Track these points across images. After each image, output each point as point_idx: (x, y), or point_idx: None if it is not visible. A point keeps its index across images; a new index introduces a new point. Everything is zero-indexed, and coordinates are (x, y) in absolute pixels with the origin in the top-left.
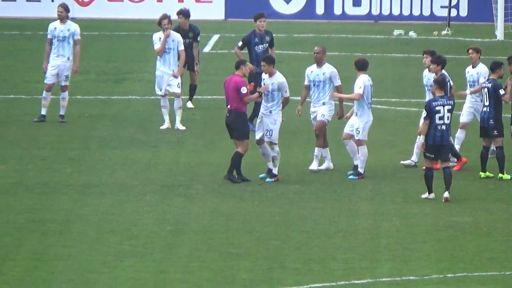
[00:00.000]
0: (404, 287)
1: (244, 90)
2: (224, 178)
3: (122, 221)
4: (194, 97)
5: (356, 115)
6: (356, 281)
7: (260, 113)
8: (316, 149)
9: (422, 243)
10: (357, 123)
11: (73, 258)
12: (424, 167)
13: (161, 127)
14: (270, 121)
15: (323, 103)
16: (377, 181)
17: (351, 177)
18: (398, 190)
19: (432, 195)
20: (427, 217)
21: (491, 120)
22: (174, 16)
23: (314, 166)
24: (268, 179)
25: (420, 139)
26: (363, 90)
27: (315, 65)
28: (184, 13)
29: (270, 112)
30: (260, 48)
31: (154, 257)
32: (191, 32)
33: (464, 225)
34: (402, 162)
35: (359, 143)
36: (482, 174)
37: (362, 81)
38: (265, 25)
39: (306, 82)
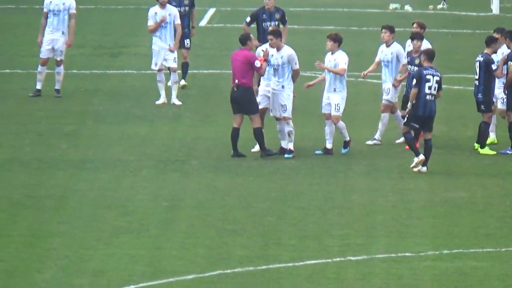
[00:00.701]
0: (400, 263)
1: (258, 63)
2: (261, 157)
3: (118, 196)
4: (189, 71)
5: (334, 91)
6: (351, 258)
7: (271, 89)
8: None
9: (417, 219)
10: (337, 99)
11: (68, 235)
12: (404, 137)
13: (157, 102)
14: (283, 96)
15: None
16: (372, 157)
17: (343, 151)
18: (394, 166)
19: (421, 156)
20: (422, 193)
21: (480, 94)
22: None
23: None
24: (286, 155)
25: (408, 106)
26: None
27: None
28: None
29: (283, 87)
30: (268, 25)
31: (149, 233)
32: None
33: (460, 201)
34: (368, 142)
35: (337, 118)
36: (476, 146)
37: (347, 58)
38: (273, 2)
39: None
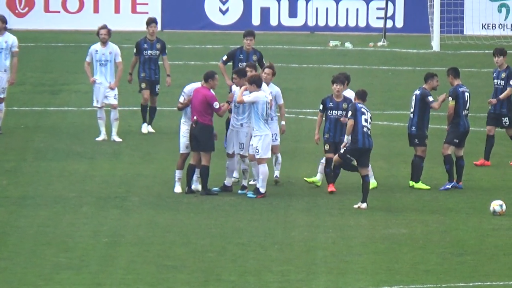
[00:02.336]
0: None
1: (216, 105)
2: (201, 195)
3: (58, 233)
4: (130, 108)
5: (254, 132)
6: None
7: (230, 126)
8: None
9: (358, 255)
10: (255, 142)
11: (8, 271)
12: (333, 169)
13: (97, 139)
14: (242, 134)
15: None
16: (313, 193)
17: (249, 194)
18: (335, 202)
19: (365, 204)
20: (363, 229)
21: (413, 127)
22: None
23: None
24: (240, 191)
25: (345, 140)
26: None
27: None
28: (156, 21)
29: (241, 125)
30: (244, 65)
31: (90, 270)
32: (158, 43)
33: (400, 237)
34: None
35: (259, 161)
36: (411, 183)
37: (255, 96)
38: (251, 43)
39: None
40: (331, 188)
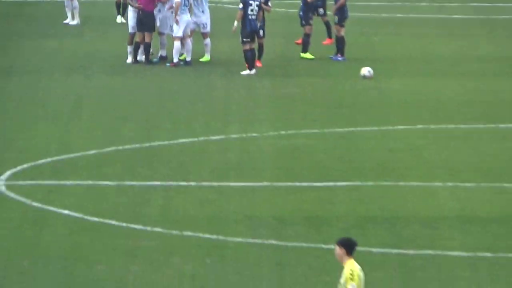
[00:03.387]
0: (248, 141)
1: None
2: (145, 64)
3: (37, 96)
4: None
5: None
6: (213, 137)
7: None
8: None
9: (262, 108)
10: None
11: None
12: (245, 54)
13: (64, 22)
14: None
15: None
16: (229, 63)
17: (167, 64)
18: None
19: (253, 71)
20: (266, 90)
21: (301, 12)
22: None
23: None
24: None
25: (234, 24)
26: None
27: None
28: None
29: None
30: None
31: (63, 120)
32: None
33: (294, 95)
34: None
35: (174, 38)
36: (302, 55)
37: None
38: None
39: None
40: (258, 63)
